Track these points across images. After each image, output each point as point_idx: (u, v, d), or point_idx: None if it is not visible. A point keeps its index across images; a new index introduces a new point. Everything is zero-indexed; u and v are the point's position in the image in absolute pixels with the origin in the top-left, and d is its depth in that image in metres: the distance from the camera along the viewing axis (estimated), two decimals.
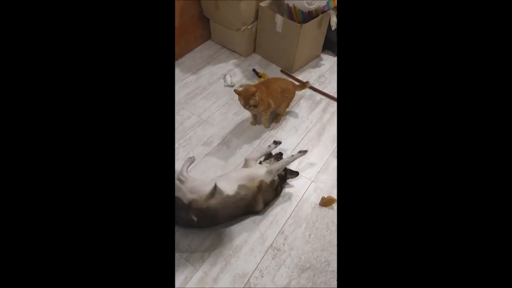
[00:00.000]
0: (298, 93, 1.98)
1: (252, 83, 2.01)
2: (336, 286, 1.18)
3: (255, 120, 1.78)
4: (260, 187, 1.31)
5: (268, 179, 1.33)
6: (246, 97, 1.49)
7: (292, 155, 1.38)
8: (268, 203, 1.40)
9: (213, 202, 1.22)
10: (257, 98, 1.49)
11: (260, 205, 1.35)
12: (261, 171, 1.34)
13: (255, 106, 1.53)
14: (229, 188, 1.26)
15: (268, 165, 1.44)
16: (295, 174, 1.48)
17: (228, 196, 1.25)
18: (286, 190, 1.49)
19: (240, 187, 1.28)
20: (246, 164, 1.48)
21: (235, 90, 1.51)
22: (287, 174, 1.46)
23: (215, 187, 1.24)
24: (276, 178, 1.37)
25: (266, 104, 1.59)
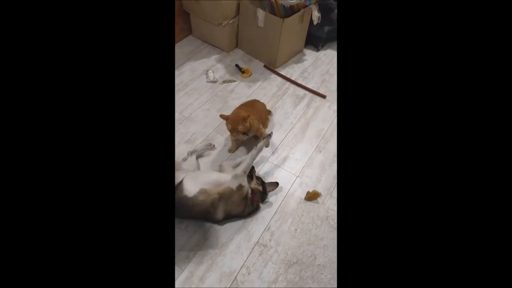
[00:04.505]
0: (282, 89, 1.98)
1: (235, 79, 1.99)
2: (322, 280, 1.19)
3: (236, 146, 1.59)
4: (223, 194, 1.22)
5: (234, 185, 1.23)
6: (234, 121, 1.37)
7: (255, 147, 1.29)
8: (233, 216, 1.30)
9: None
10: (248, 124, 1.38)
11: (219, 214, 1.25)
12: (227, 177, 1.26)
13: (245, 133, 1.40)
14: (190, 188, 1.21)
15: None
16: (275, 185, 1.40)
17: (185, 197, 1.20)
18: None
19: (201, 191, 1.21)
20: (220, 169, 1.43)
21: (221, 115, 1.41)
22: (265, 188, 1.36)
23: (181, 182, 1.22)
24: (245, 184, 1.27)
25: (257, 124, 1.46)
